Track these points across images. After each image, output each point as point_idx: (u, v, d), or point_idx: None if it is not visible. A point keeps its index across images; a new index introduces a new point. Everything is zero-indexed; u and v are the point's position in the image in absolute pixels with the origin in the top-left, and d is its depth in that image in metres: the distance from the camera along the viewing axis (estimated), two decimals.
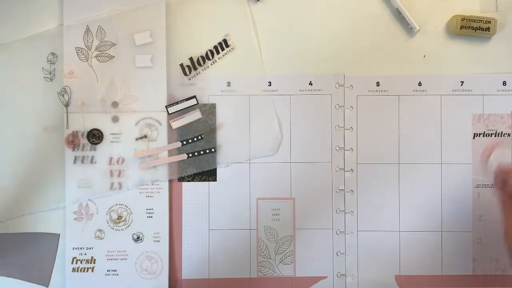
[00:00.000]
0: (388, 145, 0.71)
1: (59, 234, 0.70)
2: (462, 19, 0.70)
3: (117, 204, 0.71)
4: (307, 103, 0.71)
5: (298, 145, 0.71)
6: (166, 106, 0.70)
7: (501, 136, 0.71)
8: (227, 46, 0.71)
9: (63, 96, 0.70)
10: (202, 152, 0.71)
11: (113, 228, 0.70)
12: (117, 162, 0.70)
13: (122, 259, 0.70)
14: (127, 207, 0.71)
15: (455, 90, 0.71)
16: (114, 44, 0.70)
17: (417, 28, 0.71)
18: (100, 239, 0.70)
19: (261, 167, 0.71)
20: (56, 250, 0.70)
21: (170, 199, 0.71)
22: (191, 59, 0.71)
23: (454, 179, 0.71)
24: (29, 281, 0.70)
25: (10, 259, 0.70)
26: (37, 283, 0.70)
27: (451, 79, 0.71)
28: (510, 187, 0.61)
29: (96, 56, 0.70)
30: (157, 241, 0.70)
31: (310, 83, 0.71)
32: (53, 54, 0.70)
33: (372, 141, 0.71)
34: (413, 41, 0.72)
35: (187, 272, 0.71)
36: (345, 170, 0.71)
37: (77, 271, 0.70)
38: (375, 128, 0.71)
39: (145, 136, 0.70)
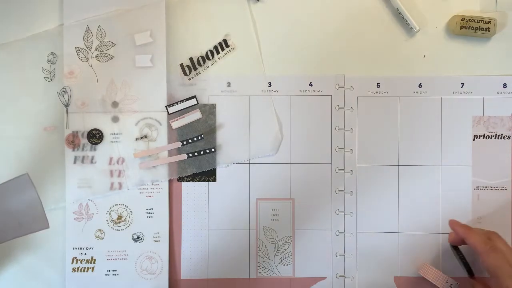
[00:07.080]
0: (388, 147, 0.71)
1: (26, 173, 0.68)
2: (462, 19, 0.70)
3: (117, 204, 0.71)
4: (307, 104, 0.71)
5: (298, 146, 0.71)
6: (166, 106, 0.70)
7: (501, 138, 0.71)
8: (227, 46, 0.71)
9: (63, 96, 0.70)
10: (202, 152, 0.71)
11: (113, 228, 0.71)
12: (117, 162, 0.70)
13: (122, 259, 0.71)
14: (127, 207, 0.71)
15: (456, 92, 0.71)
16: (114, 44, 0.70)
17: (417, 28, 0.70)
18: (100, 239, 0.71)
19: (261, 168, 0.71)
20: (35, 190, 0.68)
21: (170, 199, 0.71)
22: (191, 59, 0.71)
23: (453, 181, 0.71)
24: (31, 233, 0.68)
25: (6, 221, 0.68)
26: (39, 230, 0.69)
27: (452, 81, 0.71)
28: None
29: (96, 56, 0.70)
30: (157, 241, 0.71)
31: (310, 84, 0.71)
32: (53, 54, 0.70)
33: (372, 142, 0.71)
34: (413, 41, 0.72)
35: (186, 272, 0.71)
36: (345, 171, 0.71)
37: (77, 271, 0.70)
38: (375, 130, 0.71)
39: (145, 136, 0.70)
